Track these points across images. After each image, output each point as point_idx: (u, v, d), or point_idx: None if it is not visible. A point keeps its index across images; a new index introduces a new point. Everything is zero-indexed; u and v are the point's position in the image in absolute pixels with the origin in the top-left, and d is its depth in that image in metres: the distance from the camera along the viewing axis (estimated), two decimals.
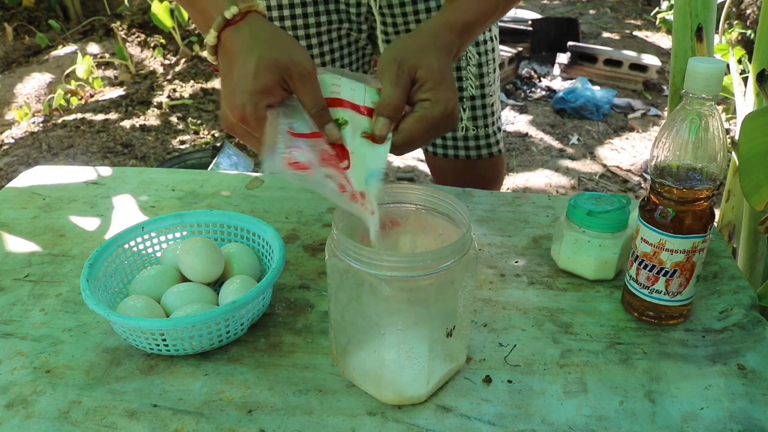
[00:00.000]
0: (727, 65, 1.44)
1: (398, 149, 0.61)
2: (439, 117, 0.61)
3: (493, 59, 1.00)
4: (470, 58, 0.98)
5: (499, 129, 1.07)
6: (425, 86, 0.61)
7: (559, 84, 3.12)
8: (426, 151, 1.10)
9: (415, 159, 2.43)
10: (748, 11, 3.13)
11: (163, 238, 0.73)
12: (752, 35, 2.96)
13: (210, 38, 0.60)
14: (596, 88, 2.96)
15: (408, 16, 0.96)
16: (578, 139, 2.61)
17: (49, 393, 0.58)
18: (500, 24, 3.40)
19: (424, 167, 2.38)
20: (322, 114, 0.59)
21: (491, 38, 0.99)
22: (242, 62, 0.58)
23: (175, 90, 2.98)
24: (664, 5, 3.83)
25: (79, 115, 2.73)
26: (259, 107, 0.57)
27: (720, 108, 1.81)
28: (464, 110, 1.02)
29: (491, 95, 1.01)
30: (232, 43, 0.60)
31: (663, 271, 0.63)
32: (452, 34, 0.66)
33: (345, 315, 0.56)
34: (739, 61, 2.18)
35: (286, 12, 0.95)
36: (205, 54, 3.39)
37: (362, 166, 0.58)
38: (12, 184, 0.95)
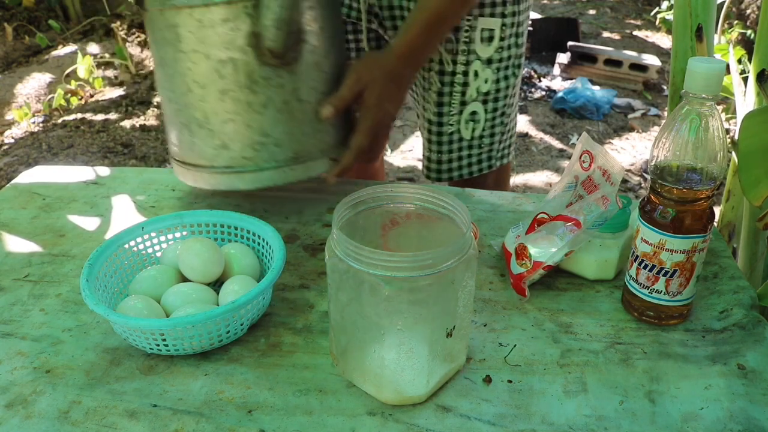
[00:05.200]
0: (727, 65, 1.44)
1: (355, 157, 0.81)
2: (371, 128, 0.81)
3: (461, 92, 0.98)
4: (432, 83, 0.98)
5: (461, 158, 1.04)
6: (365, 104, 0.80)
7: (559, 84, 3.12)
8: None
9: (415, 159, 2.43)
10: (748, 11, 3.13)
11: (163, 238, 0.73)
12: (752, 35, 2.96)
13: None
14: (596, 88, 2.96)
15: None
16: (578, 139, 2.61)
17: (49, 393, 0.58)
18: None
19: None
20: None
21: (464, 72, 0.96)
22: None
23: None
24: (664, 5, 3.83)
25: (79, 115, 2.73)
26: None
27: (720, 108, 1.81)
28: (424, 129, 1.04)
29: (451, 125, 1.00)
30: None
31: (663, 271, 0.63)
32: (399, 61, 0.82)
33: (345, 315, 0.56)
34: (739, 61, 2.18)
35: None
36: None
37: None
38: (12, 184, 0.95)
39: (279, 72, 0.75)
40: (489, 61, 0.97)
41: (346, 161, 0.81)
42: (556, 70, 3.22)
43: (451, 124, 1.00)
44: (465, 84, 0.98)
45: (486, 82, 0.98)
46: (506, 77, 1.00)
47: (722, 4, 2.25)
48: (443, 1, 0.82)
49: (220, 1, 0.71)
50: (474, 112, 1.00)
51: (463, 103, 0.99)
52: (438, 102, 0.99)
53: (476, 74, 0.97)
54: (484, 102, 1.00)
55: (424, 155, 1.07)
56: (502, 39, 0.96)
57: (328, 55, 0.80)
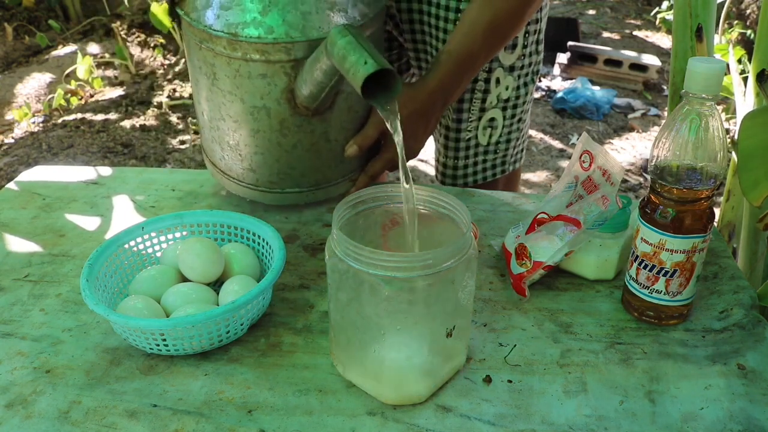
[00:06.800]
0: (727, 65, 1.44)
1: (366, 181, 0.85)
2: (390, 161, 0.84)
3: (481, 99, 0.97)
4: None
5: (476, 163, 1.04)
6: (388, 140, 0.83)
7: (559, 84, 3.12)
8: None
9: (415, 159, 2.43)
10: (748, 11, 3.13)
11: (163, 238, 0.73)
12: (752, 35, 2.96)
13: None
14: (596, 88, 2.95)
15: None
16: (578, 139, 2.61)
17: (49, 393, 0.58)
18: None
19: (425, 167, 2.38)
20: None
21: (485, 80, 0.96)
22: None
23: (175, 90, 2.98)
24: (664, 5, 3.83)
25: (79, 115, 2.73)
26: None
27: (720, 108, 1.81)
28: (440, 136, 1.03)
29: (469, 131, 1.00)
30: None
31: (663, 271, 0.63)
32: (430, 97, 0.83)
33: (345, 315, 0.56)
34: (739, 61, 2.18)
35: None
36: None
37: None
38: (12, 184, 0.95)
39: (311, 120, 0.76)
40: (511, 69, 0.97)
41: (360, 184, 0.85)
42: (556, 70, 3.22)
43: (469, 131, 1.00)
44: (486, 91, 0.97)
45: (507, 89, 0.98)
46: (525, 84, 1.00)
47: (722, 4, 2.25)
48: (476, 40, 0.81)
49: (258, 59, 0.71)
50: (492, 119, 1.00)
51: (483, 110, 0.98)
52: (457, 109, 0.98)
53: (498, 81, 0.97)
54: (504, 109, 1.00)
55: (438, 161, 1.06)
56: (524, 46, 0.96)
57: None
